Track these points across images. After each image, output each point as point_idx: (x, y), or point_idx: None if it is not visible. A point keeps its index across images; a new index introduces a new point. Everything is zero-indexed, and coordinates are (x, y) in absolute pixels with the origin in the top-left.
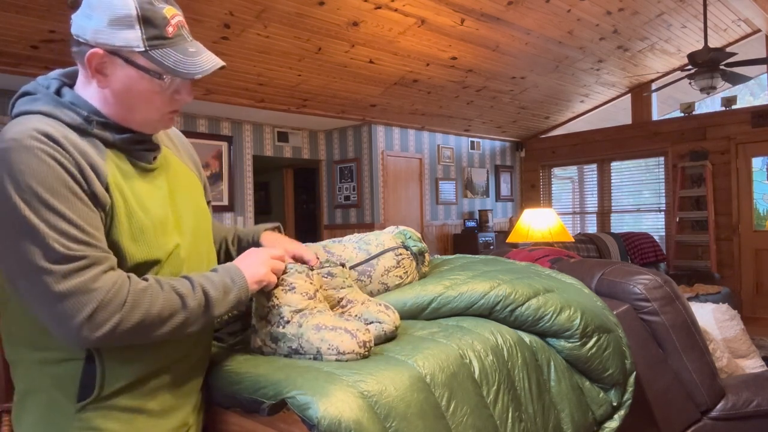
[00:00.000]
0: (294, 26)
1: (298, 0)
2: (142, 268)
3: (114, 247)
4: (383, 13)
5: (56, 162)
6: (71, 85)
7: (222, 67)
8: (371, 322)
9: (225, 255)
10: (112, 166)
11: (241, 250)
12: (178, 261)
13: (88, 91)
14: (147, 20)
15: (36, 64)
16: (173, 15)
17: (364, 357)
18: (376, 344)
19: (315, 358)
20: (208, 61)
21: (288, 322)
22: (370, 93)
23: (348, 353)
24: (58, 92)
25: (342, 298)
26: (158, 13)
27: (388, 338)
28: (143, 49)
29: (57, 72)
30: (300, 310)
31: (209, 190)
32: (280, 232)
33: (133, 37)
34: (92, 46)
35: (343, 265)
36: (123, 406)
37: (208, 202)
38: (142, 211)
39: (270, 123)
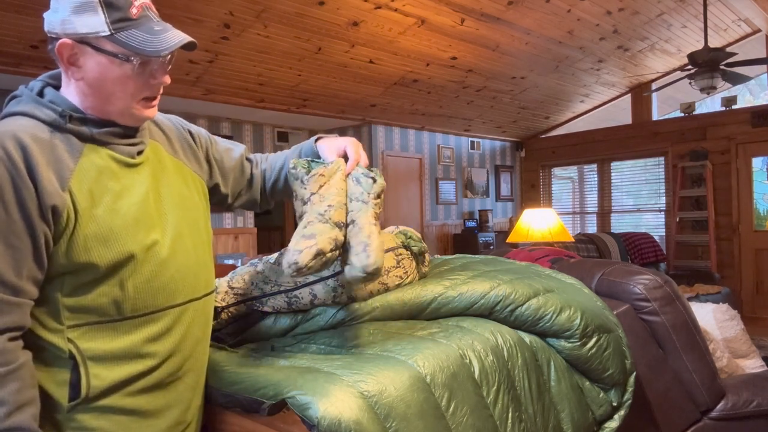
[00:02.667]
0: (294, 26)
1: (298, 0)
2: (117, 268)
3: (78, 251)
4: (383, 13)
5: (7, 174)
6: (56, 86)
7: (190, 44)
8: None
9: (284, 180)
10: (86, 163)
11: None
12: (159, 258)
13: (70, 88)
14: (109, 4)
15: (36, 64)
16: None
17: (293, 276)
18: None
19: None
20: (174, 37)
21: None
22: (370, 93)
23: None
24: (40, 93)
25: (348, 214)
26: None
27: (358, 282)
28: (108, 33)
29: (43, 75)
30: (301, 216)
31: (218, 145)
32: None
33: (97, 22)
34: (61, 38)
35: (374, 180)
36: (114, 406)
37: (231, 197)
38: (111, 212)
39: (270, 123)
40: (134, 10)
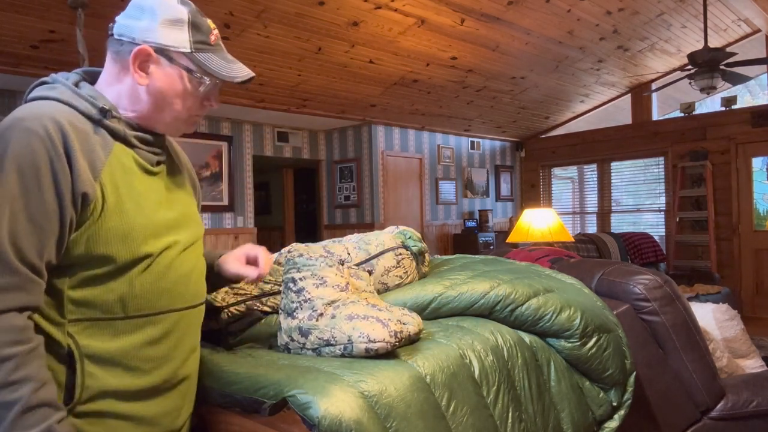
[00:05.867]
0: (294, 26)
1: (298, 0)
2: (130, 266)
3: (98, 243)
4: (383, 13)
5: (46, 155)
6: (91, 83)
7: (253, 77)
8: (397, 320)
9: None
10: (115, 160)
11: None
12: (167, 261)
13: (114, 88)
14: (195, 26)
15: (36, 64)
16: (214, 27)
17: (394, 347)
18: (399, 347)
19: (345, 348)
20: (243, 69)
21: (321, 314)
22: (370, 93)
23: (378, 341)
24: (76, 85)
25: (368, 303)
26: (204, 22)
27: (412, 341)
28: (189, 51)
29: (79, 69)
30: (333, 302)
31: (200, 204)
32: None
33: (182, 39)
34: (138, 44)
35: (370, 272)
36: (109, 411)
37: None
38: (135, 209)
39: (270, 123)
40: (212, 38)
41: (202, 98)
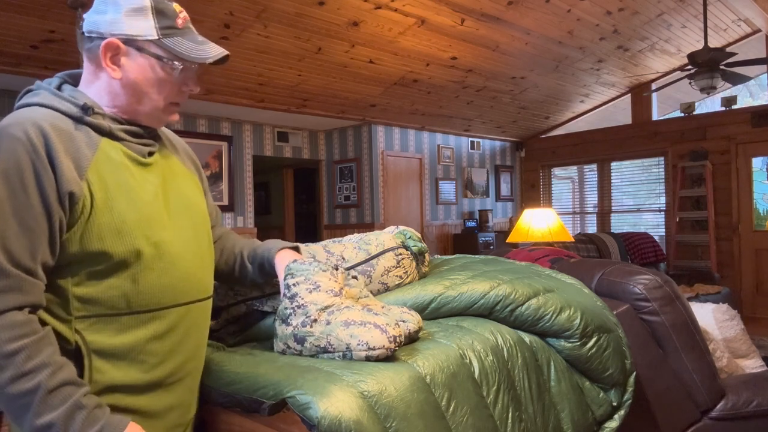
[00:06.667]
0: (294, 26)
1: (298, 0)
2: (128, 261)
3: (92, 240)
4: (383, 13)
5: (28, 158)
6: (73, 85)
7: (227, 57)
8: (395, 322)
9: (240, 268)
10: (103, 155)
11: (255, 266)
12: (170, 257)
13: (94, 86)
14: (159, 11)
15: (36, 64)
16: (180, 10)
17: (394, 352)
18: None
19: (344, 355)
20: (214, 49)
21: (315, 320)
22: (370, 93)
23: (378, 348)
24: (58, 88)
25: (363, 307)
26: (169, 6)
27: (412, 339)
28: (156, 38)
29: (61, 73)
30: (327, 308)
31: (209, 194)
32: (298, 251)
33: (147, 26)
34: (105, 38)
35: (370, 272)
36: (116, 405)
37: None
38: (126, 204)
39: (270, 123)
40: (180, 21)
41: (179, 84)
